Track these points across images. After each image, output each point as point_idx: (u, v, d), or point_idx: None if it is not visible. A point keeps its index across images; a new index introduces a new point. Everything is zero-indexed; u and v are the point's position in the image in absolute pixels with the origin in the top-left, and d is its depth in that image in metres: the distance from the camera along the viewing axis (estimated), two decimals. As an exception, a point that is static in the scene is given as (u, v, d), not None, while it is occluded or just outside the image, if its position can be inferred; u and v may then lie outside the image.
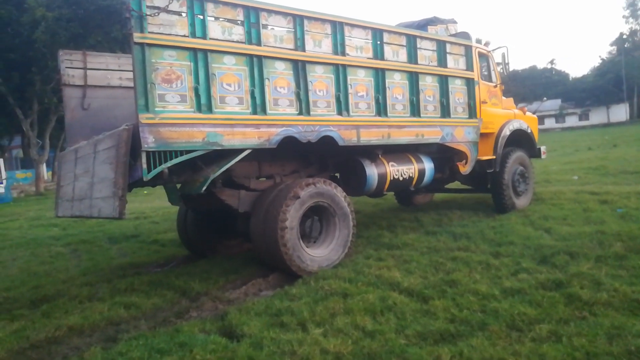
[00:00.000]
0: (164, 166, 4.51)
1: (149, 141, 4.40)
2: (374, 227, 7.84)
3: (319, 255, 5.61)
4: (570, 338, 3.38)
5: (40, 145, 25.45)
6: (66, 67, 6.24)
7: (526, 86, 62.82)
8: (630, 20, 68.99)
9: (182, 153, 4.64)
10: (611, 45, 73.78)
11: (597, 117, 64.83)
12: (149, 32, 4.47)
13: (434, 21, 8.09)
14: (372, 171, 6.53)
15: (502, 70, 8.64)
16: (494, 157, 8.06)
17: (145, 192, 16.72)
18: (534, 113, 9.71)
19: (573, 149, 23.78)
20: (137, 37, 4.39)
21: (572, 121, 66.83)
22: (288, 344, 3.55)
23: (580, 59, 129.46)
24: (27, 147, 27.56)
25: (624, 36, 68.72)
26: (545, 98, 48.62)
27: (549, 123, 66.69)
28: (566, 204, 8.33)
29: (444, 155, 7.62)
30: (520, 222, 7.26)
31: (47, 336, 4.16)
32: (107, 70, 6.53)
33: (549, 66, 75.68)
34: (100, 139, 4.89)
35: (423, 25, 8.02)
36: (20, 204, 19.98)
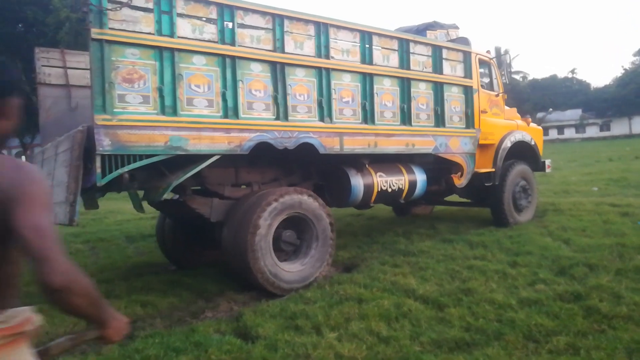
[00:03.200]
0: (120, 171, 4.22)
1: (104, 144, 4.13)
2: (390, 233, 7.75)
3: (294, 270, 5.27)
4: (588, 351, 3.31)
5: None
6: (42, 66, 6.04)
7: (546, 95, 61.68)
8: (655, 31, 67.34)
9: (141, 157, 4.35)
10: (634, 55, 72.13)
11: (619, 128, 63.34)
12: (110, 29, 4.20)
13: (433, 26, 7.75)
14: (357, 181, 6.17)
15: (504, 78, 8.21)
16: (493, 169, 7.64)
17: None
18: (539, 124, 9.25)
19: (593, 159, 23.08)
20: (95, 33, 4.12)
21: (592, 132, 65.45)
22: (302, 347, 3.55)
23: (602, 69, 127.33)
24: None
25: (648, 47, 67.13)
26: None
27: (569, 133, 65.49)
28: (585, 215, 8.16)
29: (439, 167, 7.23)
30: (538, 232, 7.13)
31: (66, 331, 4.03)
32: (86, 69, 6.28)
33: (570, 75, 74.03)
34: (61, 141, 4.64)
35: (422, 29, 7.68)
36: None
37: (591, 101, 66.82)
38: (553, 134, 65.02)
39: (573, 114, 66.01)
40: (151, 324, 4.34)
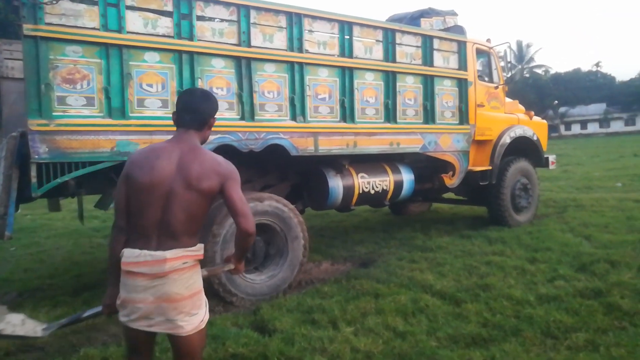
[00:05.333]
0: (60, 180, 3.90)
1: (40, 151, 3.80)
2: (408, 229, 7.74)
3: (260, 282, 4.93)
4: (608, 348, 3.30)
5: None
6: (5, 58, 5.71)
7: (569, 89, 59.34)
8: (683, 22, 64.11)
9: (85, 165, 4.02)
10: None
11: (645, 122, 61.06)
12: (47, 24, 3.83)
13: (428, 13, 7.22)
14: (336, 183, 5.77)
15: (505, 71, 7.65)
16: (490, 167, 7.15)
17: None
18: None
19: (617, 155, 22.43)
20: (28, 29, 3.76)
21: (617, 126, 62.95)
22: (319, 340, 3.59)
23: (627, 62, 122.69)
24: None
25: (675, 39, 64.01)
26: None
27: (593, 128, 63.35)
28: (608, 211, 8.14)
29: (429, 165, 6.77)
30: (558, 228, 7.09)
31: (87, 323, 3.98)
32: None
33: (594, 69, 70.51)
34: (4, 143, 4.32)
35: (416, 17, 7.19)
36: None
37: (616, 95, 63.97)
38: (576, 128, 62.99)
39: (597, 109, 63.59)
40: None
